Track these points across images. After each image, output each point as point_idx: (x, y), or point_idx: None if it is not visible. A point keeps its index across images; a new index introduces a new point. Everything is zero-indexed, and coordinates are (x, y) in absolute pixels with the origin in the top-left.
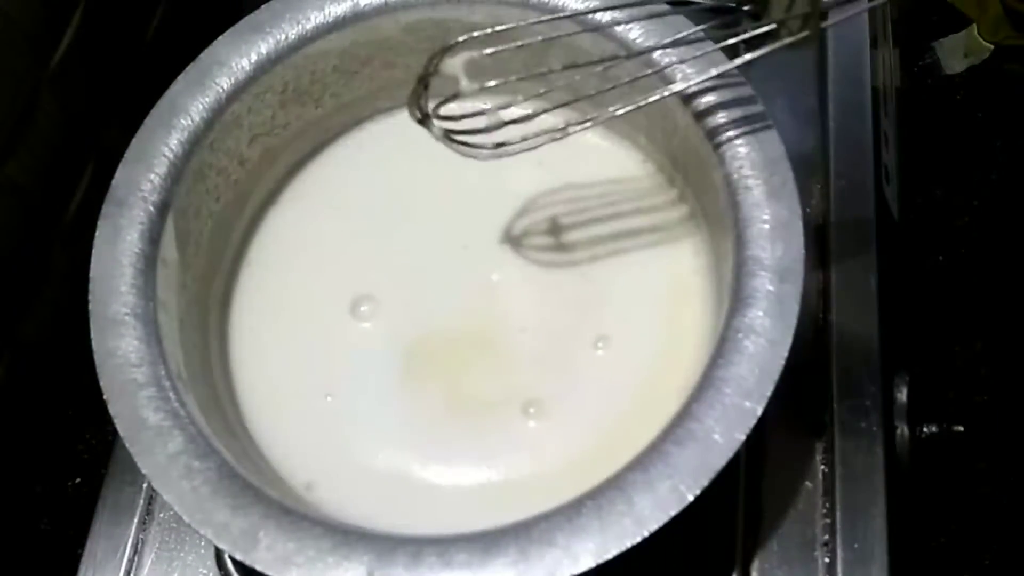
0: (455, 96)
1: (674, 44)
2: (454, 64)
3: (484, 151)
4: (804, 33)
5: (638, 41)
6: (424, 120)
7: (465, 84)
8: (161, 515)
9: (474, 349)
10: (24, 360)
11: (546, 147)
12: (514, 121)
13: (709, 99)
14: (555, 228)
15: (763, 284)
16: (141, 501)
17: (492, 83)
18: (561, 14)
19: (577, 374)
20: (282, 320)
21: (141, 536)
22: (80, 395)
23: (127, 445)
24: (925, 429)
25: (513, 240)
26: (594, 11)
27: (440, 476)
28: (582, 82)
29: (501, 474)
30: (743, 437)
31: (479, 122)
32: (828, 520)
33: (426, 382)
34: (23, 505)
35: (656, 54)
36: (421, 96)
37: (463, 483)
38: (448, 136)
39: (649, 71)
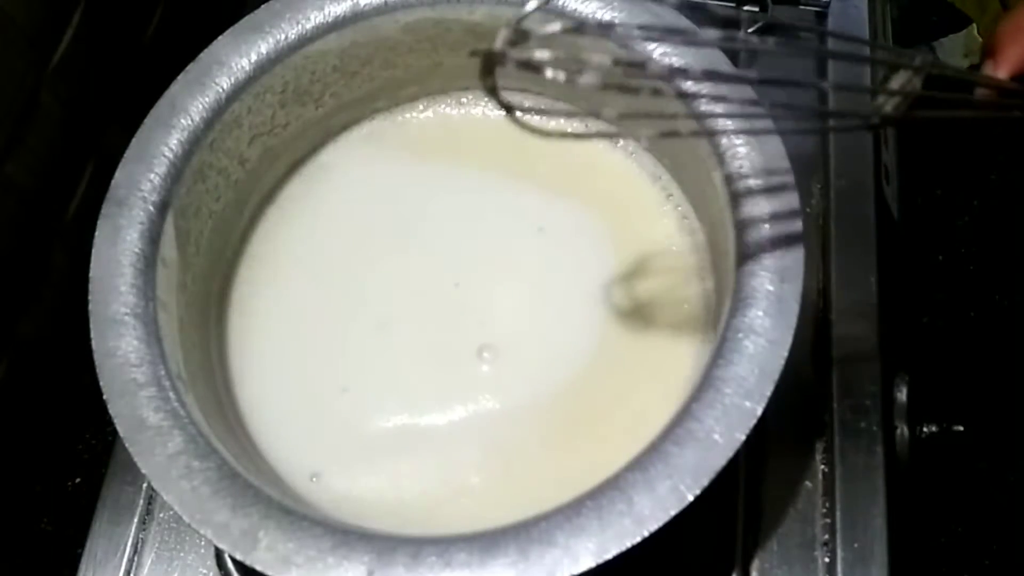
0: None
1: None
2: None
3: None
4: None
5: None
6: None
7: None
8: (161, 515)
9: (458, 316)
10: (24, 360)
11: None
12: None
13: (709, 100)
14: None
15: (763, 284)
16: (141, 501)
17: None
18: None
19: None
20: (283, 319)
21: (141, 536)
22: (80, 395)
23: (127, 445)
24: (925, 429)
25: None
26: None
27: (439, 418)
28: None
29: (474, 409)
30: (743, 437)
31: None
32: (828, 520)
33: (428, 356)
34: (23, 505)
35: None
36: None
37: (456, 418)
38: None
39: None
